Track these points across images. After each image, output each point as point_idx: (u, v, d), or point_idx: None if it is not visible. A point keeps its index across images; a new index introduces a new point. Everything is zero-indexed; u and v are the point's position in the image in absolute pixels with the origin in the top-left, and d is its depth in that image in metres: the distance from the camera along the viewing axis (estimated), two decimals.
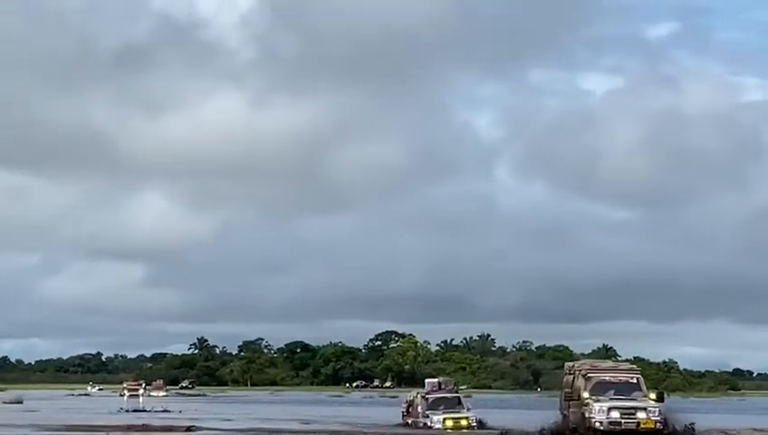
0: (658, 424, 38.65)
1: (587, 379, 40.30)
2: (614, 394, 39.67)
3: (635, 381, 40.52)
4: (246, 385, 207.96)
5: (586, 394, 39.40)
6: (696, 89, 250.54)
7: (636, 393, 39.97)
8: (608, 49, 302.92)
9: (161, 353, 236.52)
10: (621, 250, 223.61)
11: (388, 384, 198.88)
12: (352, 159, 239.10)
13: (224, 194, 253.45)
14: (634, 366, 42.77)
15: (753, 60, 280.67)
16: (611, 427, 38.36)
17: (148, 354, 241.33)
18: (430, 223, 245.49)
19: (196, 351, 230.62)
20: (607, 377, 40.38)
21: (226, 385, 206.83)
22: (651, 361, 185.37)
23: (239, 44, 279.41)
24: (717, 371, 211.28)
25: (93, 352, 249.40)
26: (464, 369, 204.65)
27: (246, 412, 79.54)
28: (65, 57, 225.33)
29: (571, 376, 41.49)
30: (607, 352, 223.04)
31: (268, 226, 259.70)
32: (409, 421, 58.77)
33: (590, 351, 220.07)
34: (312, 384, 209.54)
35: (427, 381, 65.03)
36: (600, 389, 39.83)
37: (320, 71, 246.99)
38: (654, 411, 38.79)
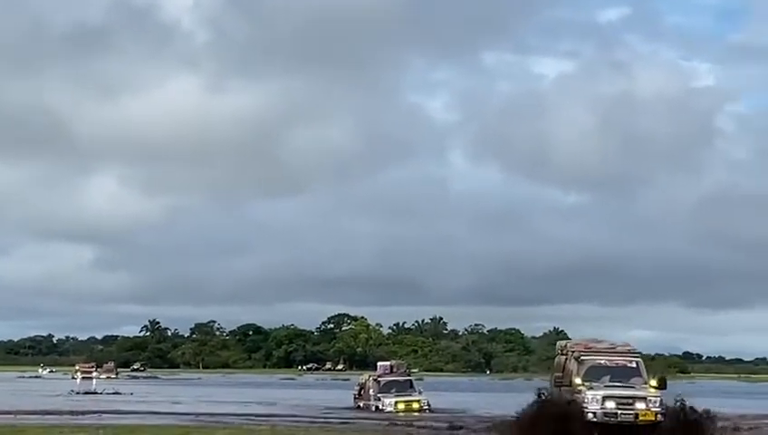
0: (659, 416, 33.17)
1: (580, 362, 35.06)
2: (610, 380, 34.51)
3: (634, 365, 35.12)
4: (198, 368, 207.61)
5: (578, 380, 34.18)
6: (648, 74, 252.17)
7: (635, 380, 34.64)
8: (560, 33, 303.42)
9: (112, 336, 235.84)
10: (573, 234, 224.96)
11: (340, 367, 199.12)
12: (306, 143, 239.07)
13: (177, 177, 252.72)
14: (633, 348, 36.69)
15: (704, 45, 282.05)
16: (606, 419, 32.96)
17: (99, 336, 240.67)
18: (383, 206, 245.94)
19: (148, 333, 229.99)
20: (602, 360, 35.11)
21: (178, 368, 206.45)
22: None
23: (193, 28, 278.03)
24: (667, 354, 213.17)
25: (44, 334, 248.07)
26: (416, 352, 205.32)
27: (197, 395, 79.44)
28: (19, 38, 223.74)
29: (564, 357, 36.50)
30: (558, 336, 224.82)
31: (221, 209, 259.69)
32: (361, 404, 58.95)
33: (541, 334, 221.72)
34: (264, 367, 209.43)
35: (378, 364, 65.23)
36: (594, 374, 34.66)
37: (273, 54, 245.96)
38: (654, 401, 33.41)
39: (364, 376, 63.42)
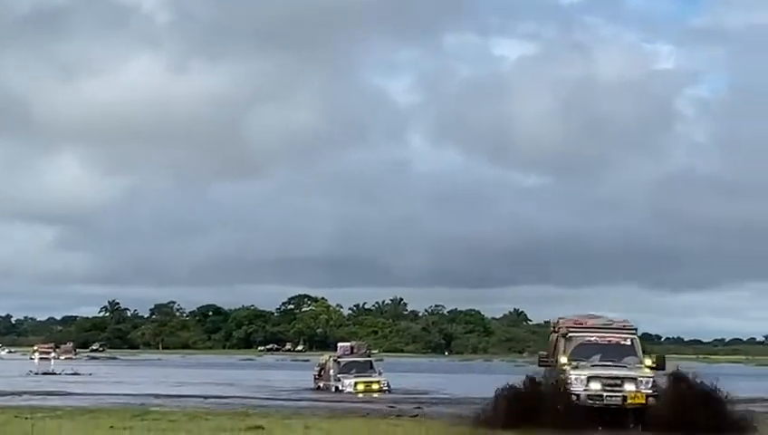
0: (650, 398, 29.89)
1: (567, 339, 32.06)
2: (600, 359, 31.57)
3: (629, 343, 32.02)
4: (158, 348, 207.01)
5: (564, 359, 31.22)
6: (609, 56, 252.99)
7: (628, 359, 31.58)
8: (522, 15, 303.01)
9: (72, 316, 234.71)
10: (533, 215, 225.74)
11: (300, 348, 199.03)
12: (267, 124, 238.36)
13: (137, 158, 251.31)
14: (629, 323, 33.28)
15: (665, 27, 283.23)
16: (590, 402, 29.85)
17: (58, 317, 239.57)
18: (344, 188, 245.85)
19: (107, 314, 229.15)
20: (593, 337, 32.02)
21: (138, 348, 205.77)
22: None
23: (155, 7, 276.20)
24: None
25: (3, 314, 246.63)
26: (376, 333, 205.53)
27: (156, 376, 79.15)
28: None
29: (555, 334, 33.40)
30: (518, 317, 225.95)
31: (182, 189, 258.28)
32: (321, 385, 58.87)
33: (501, 315, 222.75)
34: (223, 348, 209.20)
35: (339, 344, 65.17)
36: (582, 352, 31.74)
37: (235, 35, 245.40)
38: (646, 382, 30.19)
39: (324, 357, 63.37)
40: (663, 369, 31.45)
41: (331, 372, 57.95)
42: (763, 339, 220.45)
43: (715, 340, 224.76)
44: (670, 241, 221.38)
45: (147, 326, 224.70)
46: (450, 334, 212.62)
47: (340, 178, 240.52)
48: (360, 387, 55.27)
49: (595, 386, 30.21)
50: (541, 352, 33.63)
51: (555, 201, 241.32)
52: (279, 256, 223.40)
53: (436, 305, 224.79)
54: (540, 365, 31.97)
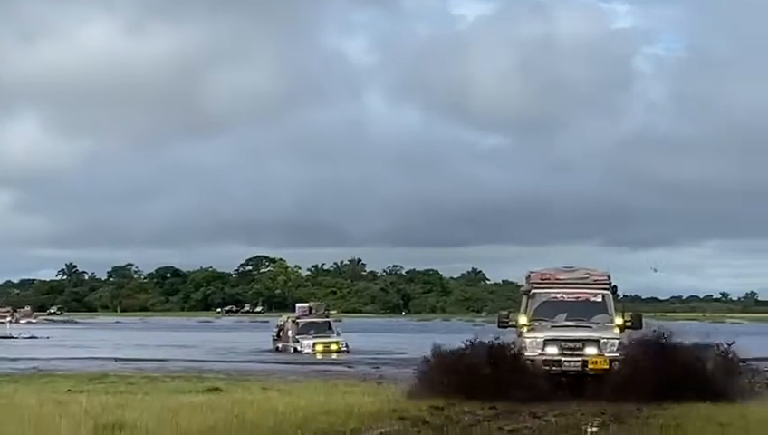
0: (616, 363, 26.04)
1: (531, 297, 28.55)
2: (567, 318, 27.98)
3: (599, 299, 28.28)
4: (116, 311, 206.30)
5: (523, 319, 27.88)
6: (567, 16, 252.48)
7: (598, 317, 27.90)
8: None
9: (29, 280, 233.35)
10: (492, 175, 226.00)
11: (258, 309, 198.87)
12: (225, 85, 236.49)
13: (95, 120, 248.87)
14: (603, 277, 29.10)
15: None
16: (546, 368, 26.23)
17: (15, 280, 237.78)
18: (302, 149, 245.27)
19: (65, 277, 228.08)
20: (559, 294, 28.38)
21: (96, 311, 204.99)
22: (520, 284, 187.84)
23: None
24: None
25: None
26: (334, 293, 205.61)
27: (114, 339, 78.93)
28: None
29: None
30: (476, 276, 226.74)
31: (140, 152, 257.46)
32: (280, 346, 58.95)
33: (459, 275, 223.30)
34: (182, 310, 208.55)
35: (297, 305, 65.24)
36: (546, 311, 28.21)
37: None
38: (611, 344, 26.50)
39: (283, 318, 63.45)
40: (639, 328, 27.78)
41: (290, 333, 58.04)
42: (720, 296, 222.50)
43: (672, 297, 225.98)
44: (628, 199, 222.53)
45: (104, 289, 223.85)
46: (408, 294, 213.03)
47: (298, 138, 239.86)
48: (319, 348, 55.42)
49: (552, 350, 26.52)
50: (501, 312, 29.59)
51: (514, 161, 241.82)
52: (237, 217, 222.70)
53: (394, 266, 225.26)
54: (500, 327, 28.01)
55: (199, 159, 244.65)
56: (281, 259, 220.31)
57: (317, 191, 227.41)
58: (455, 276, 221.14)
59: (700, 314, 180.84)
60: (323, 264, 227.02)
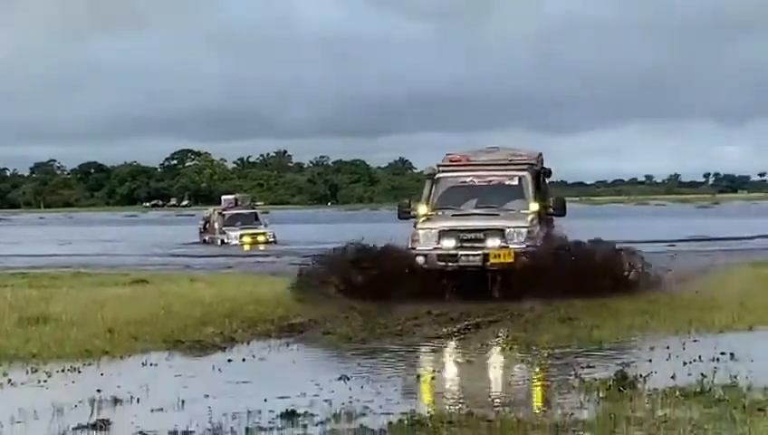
0: (523, 257, 22.57)
1: (436, 182, 24.74)
2: (477, 205, 24.48)
3: (515, 182, 24.42)
4: (40, 207, 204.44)
5: (424, 207, 24.16)
6: None
7: (513, 203, 24.22)
8: None
9: None
10: (418, 64, 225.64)
11: (185, 203, 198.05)
12: None
13: (13, 12, 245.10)
14: (522, 156, 25.52)
15: None
16: (441, 263, 22.82)
17: None
18: (226, 40, 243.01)
19: None
20: (469, 178, 24.68)
21: (19, 208, 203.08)
22: None
23: None
24: None
25: None
26: (261, 185, 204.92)
27: (39, 235, 78.26)
28: None
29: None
30: (404, 165, 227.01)
31: (63, 45, 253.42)
32: (206, 239, 58.78)
33: (386, 164, 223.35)
34: (107, 205, 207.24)
35: (223, 197, 64.97)
36: (453, 198, 24.61)
37: None
38: (518, 234, 23.00)
39: (209, 210, 63.19)
40: (562, 215, 25.07)
41: (216, 225, 57.85)
42: (644, 179, 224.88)
43: (598, 181, 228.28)
44: (554, 85, 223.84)
45: (27, 185, 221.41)
46: (335, 185, 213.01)
47: (222, 29, 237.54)
48: (246, 239, 55.28)
49: (448, 243, 22.95)
50: (402, 201, 25.68)
51: (439, 48, 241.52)
52: (161, 110, 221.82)
53: (321, 157, 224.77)
54: (400, 218, 24.43)
55: (123, 52, 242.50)
56: (206, 152, 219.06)
57: (242, 84, 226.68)
58: (382, 166, 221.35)
59: (625, 197, 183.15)
60: (249, 156, 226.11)
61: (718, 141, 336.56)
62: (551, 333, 17.07)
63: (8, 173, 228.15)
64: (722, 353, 14.36)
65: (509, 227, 23.08)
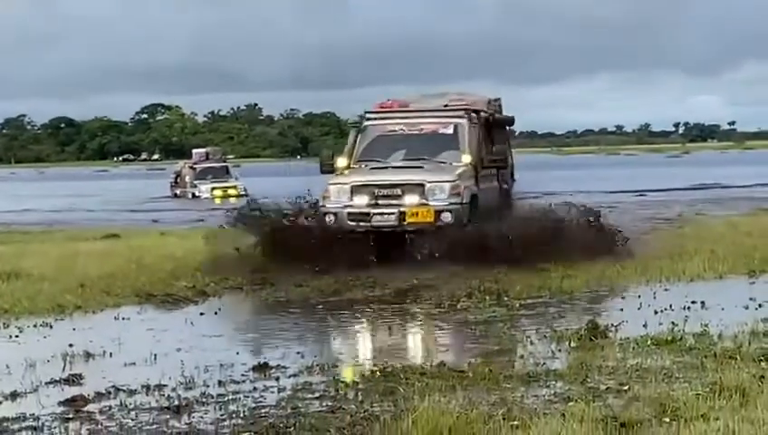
0: (447, 215, 19.68)
1: (363, 132, 22.07)
2: (404, 157, 21.38)
3: (449, 131, 21.47)
4: (10, 163, 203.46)
5: (344, 160, 21.58)
6: None
7: (446, 154, 21.20)
8: None
9: None
10: (386, 15, 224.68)
11: (155, 157, 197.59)
12: None
13: None
14: (460, 100, 22.61)
15: None
16: (350, 223, 19.95)
17: None
18: None
19: None
20: (398, 127, 21.81)
21: None
22: None
23: None
24: None
25: None
26: (232, 139, 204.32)
27: (7, 190, 77.86)
28: None
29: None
30: None
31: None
32: (178, 192, 58.70)
33: (357, 117, 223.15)
34: (78, 160, 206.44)
35: (194, 151, 64.84)
36: (378, 149, 21.65)
37: None
38: (440, 190, 19.88)
39: (180, 164, 63.05)
40: (505, 168, 22.67)
41: (187, 178, 57.78)
42: (615, 129, 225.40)
43: (568, 132, 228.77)
44: (523, 36, 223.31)
45: None
46: (306, 138, 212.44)
47: None
48: (218, 193, 55.21)
49: (360, 200, 20.04)
50: (324, 152, 23.66)
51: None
52: (131, 64, 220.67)
53: (291, 109, 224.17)
54: (322, 172, 21.79)
55: (91, 6, 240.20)
56: (177, 106, 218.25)
57: (211, 35, 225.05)
58: (352, 118, 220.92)
59: (595, 148, 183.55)
60: (220, 110, 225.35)
61: (689, 92, 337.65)
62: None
63: None
64: (692, 302, 14.46)
65: (429, 182, 20.00)
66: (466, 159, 20.89)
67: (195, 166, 58.88)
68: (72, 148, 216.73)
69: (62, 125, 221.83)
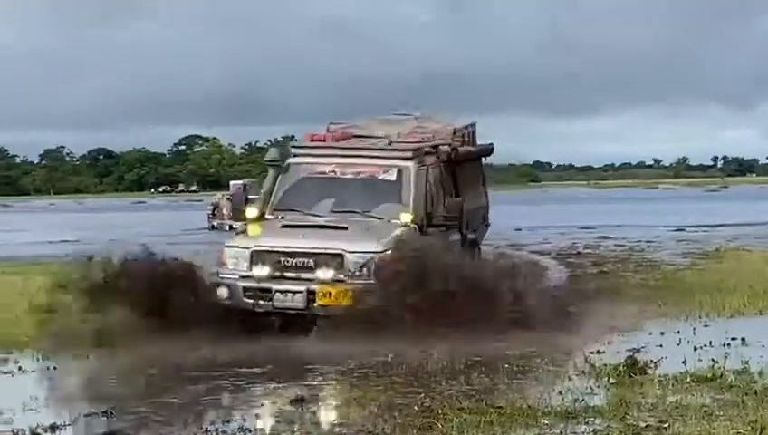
0: (366, 297, 14.85)
1: (285, 171, 17.52)
2: (332, 209, 16.77)
3: (392, 177, 16.88)
4: (50, 194, 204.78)
5: (252, 210, 17.36)
6: None
7: (383, 208, 16.63)
8: None
9: None
10: (422, 46, 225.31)
11: (193, 188, 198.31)
12: None
13: None
14: (428, 131, 18.61)
15: None
16: (249, 301, 15.54)
17: None
18: (231, 24, 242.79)
19: None
20: (329, 167, 17.26)
21: (29, 195, 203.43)
22: None
23: None
24: (518, 163, 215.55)
25: None
26: None
27: (53, 221, 78.33)
28: None
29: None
30: None
31: (68, 31, 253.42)
32: (215, 224, 58.77)
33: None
34: (116, 191, 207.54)
35: (231, 183, 65.03)
36: (303, 196, 17.22)
37: None
38: (365, 266, 15.23)
39: (217, 196, 63.21)
40: (457, 226, 17.53)
41: (225, 210, 57.81)
42: (652, 162, 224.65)
43: (606, 165, 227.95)
44: (561, 68, 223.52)
45: (37, 172, 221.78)
46: None
47: (227, 13, 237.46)
48: None
49: (261, 272, 15.53)
50: (215, 198, 19.11)
51: (444, 28, 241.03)
52: (169, 96, 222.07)
53: None
54: (211, 228, 17.88)
55: (127, 36, 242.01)
56: (214, 138, 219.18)
57: (249, 67, 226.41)
58: None
59: (633, 181, 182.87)
60: (257, 141, 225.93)
61: (726, 125, 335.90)
62: None
63: (18, 160, 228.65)
64: (732, 339, 14.36)
65: (350, 252, 15.38)
66: (406, 217, 16.29)
67: (232, 198, 59.02)
68: (111, 179, 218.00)
69: (101, 156, 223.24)
